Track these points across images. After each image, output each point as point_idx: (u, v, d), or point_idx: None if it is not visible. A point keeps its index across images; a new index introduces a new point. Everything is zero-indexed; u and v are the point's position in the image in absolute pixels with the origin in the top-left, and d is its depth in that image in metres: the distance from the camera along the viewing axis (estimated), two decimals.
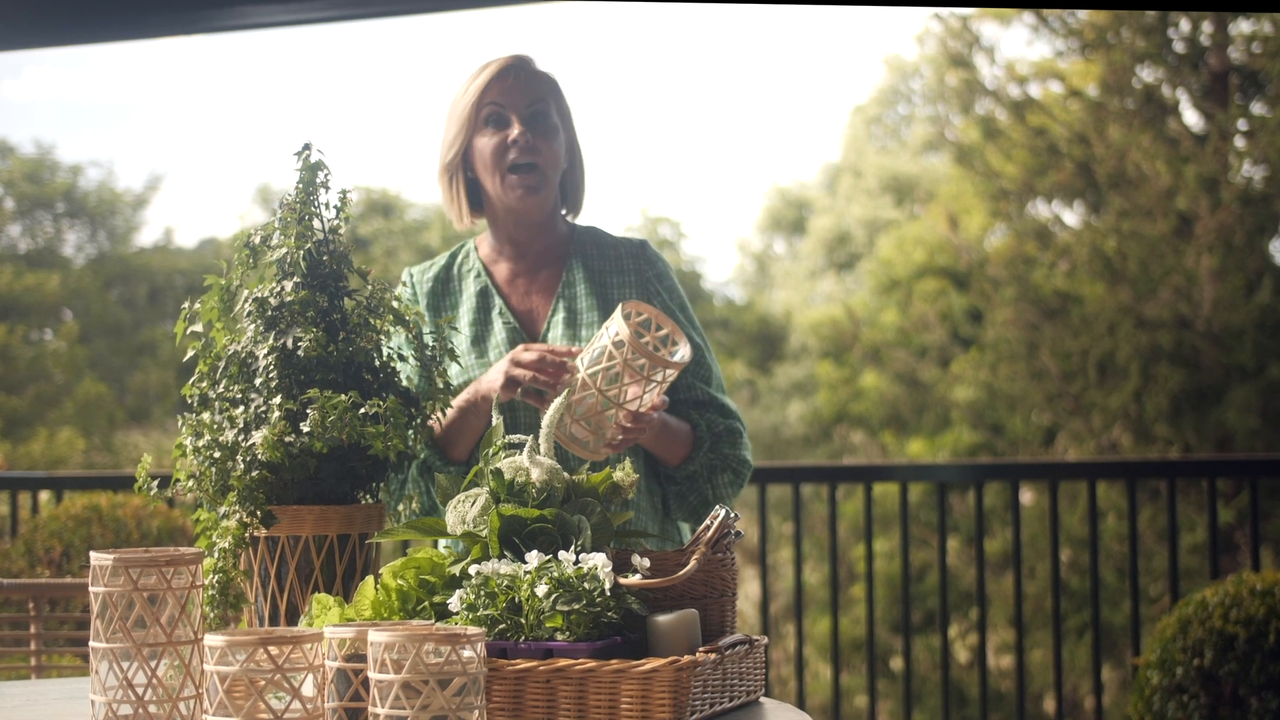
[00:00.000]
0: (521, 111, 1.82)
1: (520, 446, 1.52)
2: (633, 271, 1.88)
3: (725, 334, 11.97)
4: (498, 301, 1.86)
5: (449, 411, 1.74)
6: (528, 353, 1.69)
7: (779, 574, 8.98)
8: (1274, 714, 2.73)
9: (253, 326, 1.53)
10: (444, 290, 1.90)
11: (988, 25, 8.74)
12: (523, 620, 1.32)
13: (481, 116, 1.82)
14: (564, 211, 1.93)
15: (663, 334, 1.69)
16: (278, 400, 1.47)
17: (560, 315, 1.85)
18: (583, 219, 1.97)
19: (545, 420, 1.55)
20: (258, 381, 1.50)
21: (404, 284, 1.92)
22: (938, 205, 10.17)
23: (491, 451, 1.50)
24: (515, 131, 1.80)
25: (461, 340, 1.85)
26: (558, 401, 1.57)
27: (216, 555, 1.48)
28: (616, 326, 1.61)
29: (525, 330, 1.86)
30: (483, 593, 1.34)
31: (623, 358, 1.59)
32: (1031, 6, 8.00)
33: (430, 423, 1.68)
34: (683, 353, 1.66)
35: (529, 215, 1.86)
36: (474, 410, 1.75)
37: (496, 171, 1.82)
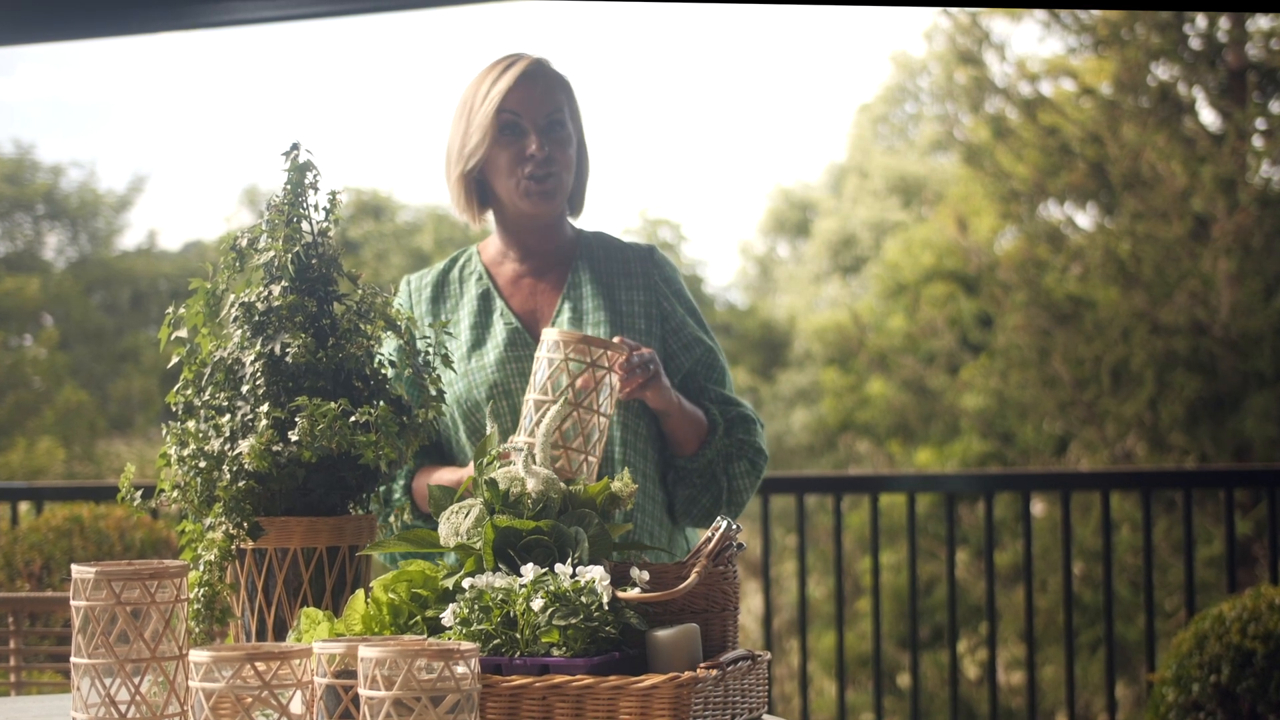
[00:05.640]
0: (539, 122, 1.84)
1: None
2: (640, 275, 1.89)
3: (727, 340, 11.93)
4: (499, 303, 1.88)
5: (434, 477, 1.78)
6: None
7: (782, 587, 8.93)
8: None
9: (239, 332, 1.51)
10: (442, 294, 1.91)
11: (998, 21, 8.66)
12: (518, 635, 1.31)
13: (500, 123, 1.84)
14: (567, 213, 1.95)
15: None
16: (265, 408, 1.44)
17: (565, 315, 1.86)
18: (582, 222, 1.98)
19: (541, 430, 1.52)
20: (244, 389, 1.48)
21: (401, 291, 1.93)
22: (946, 207, 10.13)
23: (486, 461, 1.47)
24: (533, 147, 1.83)
25: (460, 345, 1.85)
26: (554, 409, 1.55)
27: (202, 568, 1.46)
28: (545, 343, 1.65)
29: (528, 330, 1.87)
30: (477, 607, 1.32)
31: (563, 356, 1.61)
32: (1043, 6, 7.94)
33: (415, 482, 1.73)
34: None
35: (542, 218, 1.88)
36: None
37: (512, 179, 1.84)
